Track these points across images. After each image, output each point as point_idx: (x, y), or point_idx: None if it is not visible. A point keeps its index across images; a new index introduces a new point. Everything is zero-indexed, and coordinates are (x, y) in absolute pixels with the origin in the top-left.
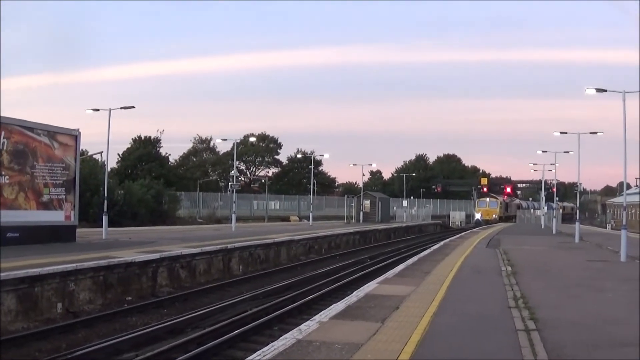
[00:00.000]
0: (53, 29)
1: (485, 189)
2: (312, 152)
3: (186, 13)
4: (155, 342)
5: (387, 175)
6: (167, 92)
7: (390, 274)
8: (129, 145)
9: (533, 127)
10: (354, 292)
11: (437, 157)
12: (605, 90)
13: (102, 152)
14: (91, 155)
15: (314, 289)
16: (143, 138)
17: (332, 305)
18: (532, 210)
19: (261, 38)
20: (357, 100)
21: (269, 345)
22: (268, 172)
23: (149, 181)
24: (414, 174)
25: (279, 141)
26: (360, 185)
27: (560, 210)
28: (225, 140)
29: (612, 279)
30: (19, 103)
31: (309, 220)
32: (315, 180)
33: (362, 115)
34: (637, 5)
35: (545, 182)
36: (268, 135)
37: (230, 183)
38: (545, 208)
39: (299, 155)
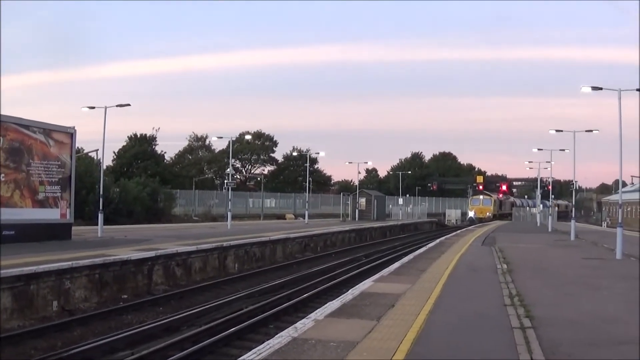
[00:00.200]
0: (50, 27)
1: (480, 187)
2: (307, 150)
3: (183, 11)
4: (151, 340)
5: (382, 173)
6: (163, 89)
7: (385, 272)
8: (125, 143)
9: (529, 125)
10: (350, 290)
11: (433, 155)
12: (601, 88)
13: (98, 150)
14: (87, 153)
15: (309, 286)
16: (139, 136)
17: (328, 303)
18: (527, 208)
19: (257, 36)
20: (353, 98)
21: (265, 343)
22: (264, 170)
23: (144, 179)
24: (410, 172)
25: (274, 139)
26: (356, 183)
27: (556, 208)
28: (221, 138)
29: (608, 276)
30: (18, 101)
31: (304, 218)
32: (311, 178)
33: (358, 113)
34: (636, 4)
35: (541, 180)
36: (264, 133)
37: (225, 181)
38: (541, 206)
39: (295, 153)
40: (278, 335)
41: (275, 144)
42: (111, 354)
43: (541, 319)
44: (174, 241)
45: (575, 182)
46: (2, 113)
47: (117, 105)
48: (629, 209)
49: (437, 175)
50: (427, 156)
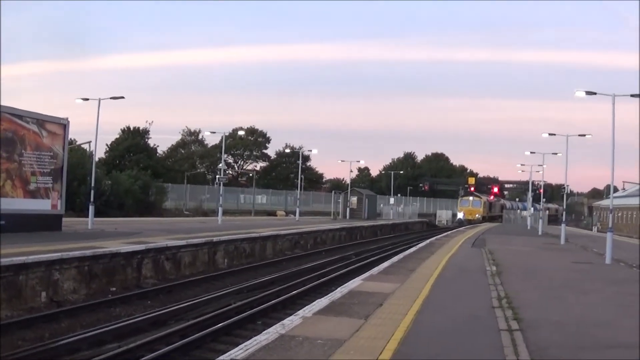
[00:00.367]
0: (45, 19)
1: (472, 189)
2: (300, 147)
3: (179, 5)
4: (139, 333)
5: (375, 172)
6: (157, 83)
7: (375, 271)
8: (118, 136)
9: (522, 128)
10: (338, 288)
11: (426, 155)
12: (595, 93)
13: (91, 141)
14: (79, 145)
15: (298, 284)
16: (132, 129)
17: (316, 301)
18: (518, 210)
19: (252, 32)
20: (346, 97)
21: (252, 339)
22: (256, 166)
23: (136, 172)
24: (402, 172)
25: (267, 135)
26: (348, 181)
27: (546, 212)
28: (214, 133)
29: (597, 281)
30: (12, 90)
31: (295, 216)
32: (302, 176)
33: (351, 112)
34: (635, 10)
35: (533, 183)
36: (257, 129)
37: (217, 176)
38: (532, 209)
39: (287, 150)
40: (265, 331)
41: (268, 140)
42: (99, 346)
43: (529, 321)
44: (164, 235)
45: (567, 186)
46: None
47: (110, 98)
48: (620, 214)
49: (429, 176)
50: (420, 156)
